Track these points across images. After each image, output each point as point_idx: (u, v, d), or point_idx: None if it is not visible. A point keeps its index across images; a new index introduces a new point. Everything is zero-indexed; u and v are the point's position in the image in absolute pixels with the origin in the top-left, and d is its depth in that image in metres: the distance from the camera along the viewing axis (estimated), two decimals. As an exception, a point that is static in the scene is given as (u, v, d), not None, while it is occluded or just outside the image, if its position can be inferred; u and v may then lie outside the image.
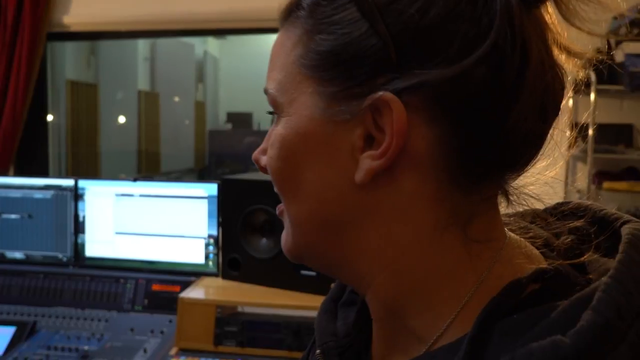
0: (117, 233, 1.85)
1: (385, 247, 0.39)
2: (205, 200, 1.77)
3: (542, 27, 0.37)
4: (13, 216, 1.92)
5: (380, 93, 0.36)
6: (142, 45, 5.75)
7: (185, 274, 1.77)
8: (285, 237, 0.45)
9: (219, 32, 4.77)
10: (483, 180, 0.38)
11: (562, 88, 0.39)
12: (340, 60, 0.37)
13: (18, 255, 1.92)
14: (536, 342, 0.30)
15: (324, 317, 0.51)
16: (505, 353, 0.31)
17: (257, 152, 0.46)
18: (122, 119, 5.16)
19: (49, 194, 1.90)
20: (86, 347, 1.56)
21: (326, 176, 0.39)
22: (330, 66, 0.37)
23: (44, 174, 2.74)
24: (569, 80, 0.39)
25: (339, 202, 0.39)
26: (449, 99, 0.35)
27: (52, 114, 3.06)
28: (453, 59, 0.34)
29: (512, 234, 0.42)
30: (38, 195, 1.91)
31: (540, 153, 0.40)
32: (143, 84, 5.76)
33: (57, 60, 3.53)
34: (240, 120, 6.72)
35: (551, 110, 0.38)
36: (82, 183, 1.88)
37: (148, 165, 5.18)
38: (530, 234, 0.43)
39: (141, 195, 1.82)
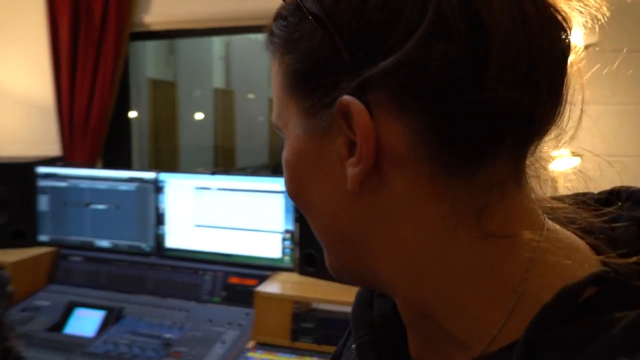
0: (196, 225, 1.89)
1: (399, 251, 0.38)
2: (282, 195, 1.77)
3: None
4: (101, 207, 2.02)
5: (341, 97, 0.34)
6: (218, 45, 5.92)
7: (261, 268, 1.78)
8: (325, 256, 0.45)
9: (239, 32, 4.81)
10: (479, 164, 0.34)
11: (563, 48, 0.34)
12: (308, 74, 0.37)
13: (106, 243, 2.01)
14: None
15: (360, 307, 0.49)
16: None
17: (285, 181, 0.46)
18: (199, 116, 5.34)
19: (132, 186, 1.98)
20: (168, 335, 1.61)
21: (326, 191, 0.39)
22: (301, 82, 0.37)
23: (128, 167, 2.86)
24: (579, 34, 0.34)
25: (345, 213, 0.39)
26: (412, 85, 0.32)
27: (135, 110, 3.19)
28: (401, 44, 0.32)
29: (552, 224, 0.37)
30: (123, 187, 1.99)
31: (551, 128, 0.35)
32: (218, 81, 5.93)
33: (139, 60, 3.69)
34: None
35: (543, 76, 0.33)
36: (162, 176, 1.94)
37: (224, 160, 5.33)
38: (577, 224, 0.38)
39: (219, 189, 1.85)
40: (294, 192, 0.42)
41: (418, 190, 0.35)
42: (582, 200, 0.41)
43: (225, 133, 5.57)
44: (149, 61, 4.65)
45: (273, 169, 6.53)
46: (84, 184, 2.04)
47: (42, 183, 2.09)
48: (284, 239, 1.77)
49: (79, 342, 1.60)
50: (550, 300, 0.32)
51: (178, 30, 2.87)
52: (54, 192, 2.08)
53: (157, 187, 1.93)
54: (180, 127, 5.02)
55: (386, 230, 0.37)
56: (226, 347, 1.54)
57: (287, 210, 1.76)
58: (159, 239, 1.93)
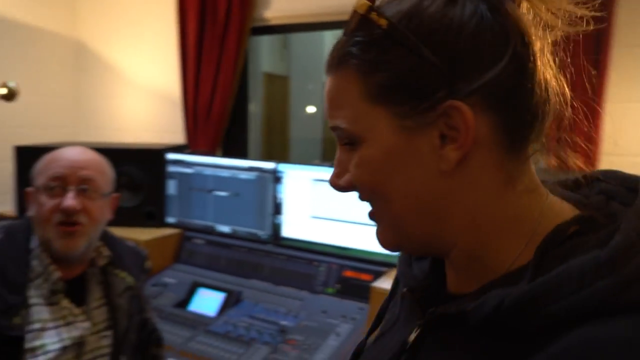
0: (312, 217, 1.92)
1: (468, 211, 0.51)
2: (400, 191, 1.74)
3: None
4: (223, 193, 2.12)
5: (449, 102, 0.47)
6: (329, 39, 5.97)
7: (376, 264, 1.77)
8: (382, 233, 0.56)
9: None
10: (524, 144, 0.50)
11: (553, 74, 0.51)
12: (403, 87, 0.48)
13: (226, 229, 2.10)
14: (582, 257, 0.43)
15: (404, 266, 0.63)
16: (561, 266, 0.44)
17: (333, 177, 0.56)
18: (310, 109, 5.44)
19: (252, 175, 2.05)
20: (284, 322, 1.64)
21: (414, 175, 0.50)
22: (394, 93, 0.48)
23: (244, 157, 2.98)
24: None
25: (429, 191, 0.50)
26: (497, 93, 0.48)
27: (251, 103, 3.31)
28: (490, 64, 0.47)
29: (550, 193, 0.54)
30: (243, 175, 2.07)
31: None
32: (328, 76, 6.00)
33: (255, 54, 3.83)
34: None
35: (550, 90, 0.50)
36: (281, 167, 1.98)
37: (332, 153, 5.40)
38: (564, 195, 0.54)
39: (337, 182, 1.86)
40: (373, 185, 0.52)
41: (488, 164, 0.49)
42: (562, 180, 0.57)
43: (333, 127, 5.63)
44: (264, 56, 4.80)
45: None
46: (207, 171, 2.15)
47: (170, 169, 2.23)
48: (400, 236, 1.74)
49: (201, 320, 1.69)
50: (550, 232, 0.48)
51: (296, 24, 2.93)
52: (181, 177, 2.21)
53: (276, 177, 1.98)
54: (292, 120, 5.15)
55: (462, 197, 0.50)
56: (340, 340, 1.55)
57: (404, 207, 1.73)
58: (276, 227, 1.98)
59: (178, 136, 2.96)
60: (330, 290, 1.79)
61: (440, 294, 0.57)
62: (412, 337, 0.55)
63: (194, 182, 2.18)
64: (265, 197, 2.01)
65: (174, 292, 1.89)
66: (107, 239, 1.22)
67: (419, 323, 0.55)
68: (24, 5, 3.01)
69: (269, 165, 2.01)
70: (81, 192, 1.08)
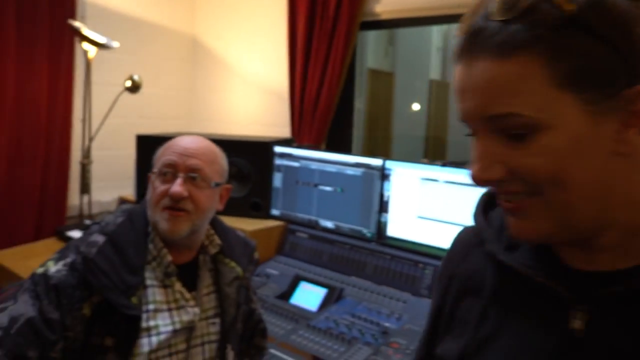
0: (419, 217, 1.84)
1: (636, 189, 0.53)
2: (517, 194, 1.61)
3: None
4: (328, 188, 2.10)
5: (636, 87, 0.49)
6: (436, 35, 5.80)
7: (487, 270, 1.66)
8: (533, 224, 0.54)
9: None
10: None
11: None
12: (590, 73, 0.49)
13: (329, 224, 2.09)
14: None
15: (510, 257, 0.63)
16: None
17: (479, 170, 0.55)
18: (415, 107, 5.33)
19: (359, 171, 2.01)
20: (386, 324, 1.59)
21: (594, 159, 0.50)
22: (582, 79, 0.49)
23: (348, 153, 2.96)
24: None
25: (604, 174, 0.51)
26: None
27: (356, 99, 3.28)
28: None
29: None
30: (350, 171, 2.04)
31: None
32: (435, 73, 5.82)
33: (361, 50, 3.79)
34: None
35: None
36: (389, 164, 1.93)
37: (434, 152, 5.26)
38: None
39: (447, 182, 1.77)
40: (555, 173, 0.51)
41: None
42: None
43: (437, 125, 5.46)
44: (369, 52, 4.76)
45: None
46: (314, 166, 2.15)
47: (277, 162, 2.26)
48: (515, 243, 1.62)
49: (303, 314, 1.69)
50: None
51: (406, 18, 2.86)
52: (287, 170, 2.23)
53: (383, 175, 1.93)
54: (395, 117, 5.06)
55: (631, 175, 0.52)
56: (446, 347, 1.47)
57: (522, 212, 1.60)
58: (381, 226, 1.93)
59: (284, 130, 3.01)
60: (435, 294, 1.71)
61: (570, 276, 0.57)
62: (577, 324, 0.54)
63: (299, 176, 2.19)
64: (371, 194, 1.97)
65: (276, 284, 1.90)
66: (219, 228, 1.24)
67: (582, 308, 0.54)
68: (148, 5, 3.21)
69: (376, 161, 1.96)
70: (189, 180, 1.10)
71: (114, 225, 1.10)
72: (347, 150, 3.01)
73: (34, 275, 1.03)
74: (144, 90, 2.66)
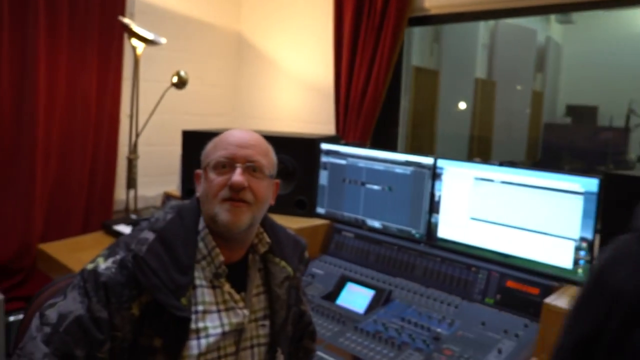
0: (471, 218, 1.76)
1: None
2: (581, 197, 1.52)
3: None
4: (375, 187, 2.04)
5: None
6: (483, 32, 5.64)
7: (545, 277, 1.57)
8: None
9: (563, 9, 4.29)
10: None
11: None
12: None
13: (377, 224, 2.03)
14: None
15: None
16: None
17: None
18: (462, 105, 5.22)
19: (408, 170, 1.94)
20: (438, 330, 1.53)
21: None
22: None
23: (394, 151, 2.89)
24: None
25: None
26: None
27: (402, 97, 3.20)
28: None
29: None
30: (399, 170, 1.97)
31: None
32: (480, 72, 5.67)
33: (407, 47, 3.71)
34: (582, 114, 6.00)
35: None
36: (441, 162, 1.86)
37: (479, 152, 5.13)
38: None
39: (503, 182, 1.69)
40: None
41: None
42: None
43: (482, 124, 5.31)
44: (414, 49, 4.66)
45: (534, 165, 6.04)
46: (361, 164, 2.09)
47: (323, 159, 2.21)
48: (578, 248, 1.52)
49: (350, 316, 1.64)
50: None
51: (455, 14, 2.77)
52: (333, 168, 2.18)
53: (435, 174, 1.86)
54: (439, 115, 4.96)
55: None
56: (502, 357, 1.39)
57: (586, 216, 1.51)
58: (431, 227, 1.86)
59: (328, 127, 2.97)
60: (489, 300, 1.63)
61: None
62: None
63: (346, 174, 2.14)
64: (421, 193, 1.90)
65: (322, 284, 1.86)
66: (269, 226, 1.20)
67: None
68: (194, 1, 3.22)
69: (427, 160, 1.89)
70: (248, 170, 1.07)
71: (164, 221, 1.08)
72: (392, 149, 2.94)
73: (83, 271, 1.01)
74: (189, 86, 2.66)
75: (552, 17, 6.37)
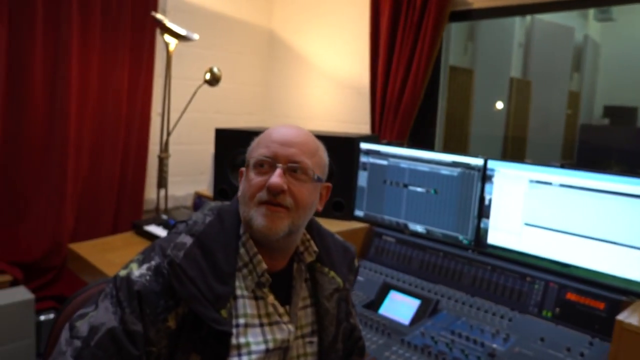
0: (526, 224, 1.64)
1: None
2: (653, 202, 1.38)
3: None
4: (419, 189, 1.93)
5: None
6: (518, 30, 5.47)
7: (612, 290, 1.44)
8: None
9: (601, 4, 4.10)
10: None
11: None
12: None
13: (420, 228, 1.92)
14: None
15: None
16: None
17: None
18: (499, 105, 5.07)
19: (455, 171, 1.83)
20: (493, 345, 1.41)
21: None
22: None
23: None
24: None
25: None
26: None
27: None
28: None
29: None
30: (445, 171, 1.86)
31: None
32: (516, 71, 5.50)
33: (445, 45, 3.59)
34: (621, 115, 5.77)
35: None
36: (491, 164, 1.74)
37: (512, 152, 4.97)
38: None
39: (562, 185, 1.56)
40: None
41: None
42: None
43: (517, 124, 5.15)
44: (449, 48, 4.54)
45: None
46: (404, 164, 1.98)
47: (362, 159, 2.11)
48: (649, 259, 1.39)
49: (394, 327, 1.53)
50: None
51: (498, 7, 2.63)
52: (373, 168, 2.08)
53: (485, 175, 1.74)
54: (473, 115, 4.82)
55: None
56: (567, 377, 1.26)
57: (659, 223, 1.37)
58: (480, 233, 1.74)
59: (363, 127, 2.86)
60: (547, 313, 1.50)
61: None
62: None
63: (387, 175, 2.03)
64: (469, 196, 1.78)
65: (362, 292, 1.76)
66: (316, 232, 1.10)
67: None
68: (229, -3, 3.16)
69: (476, 161, 1.77)
70: (289, 172, 0.96)
71: (203, 224, 0.98)
72: (429, 149, 2.82)
73: (116, 278, 0.92)
74: (220, 84, 2.59)
75: (591, 14, 6.16)
